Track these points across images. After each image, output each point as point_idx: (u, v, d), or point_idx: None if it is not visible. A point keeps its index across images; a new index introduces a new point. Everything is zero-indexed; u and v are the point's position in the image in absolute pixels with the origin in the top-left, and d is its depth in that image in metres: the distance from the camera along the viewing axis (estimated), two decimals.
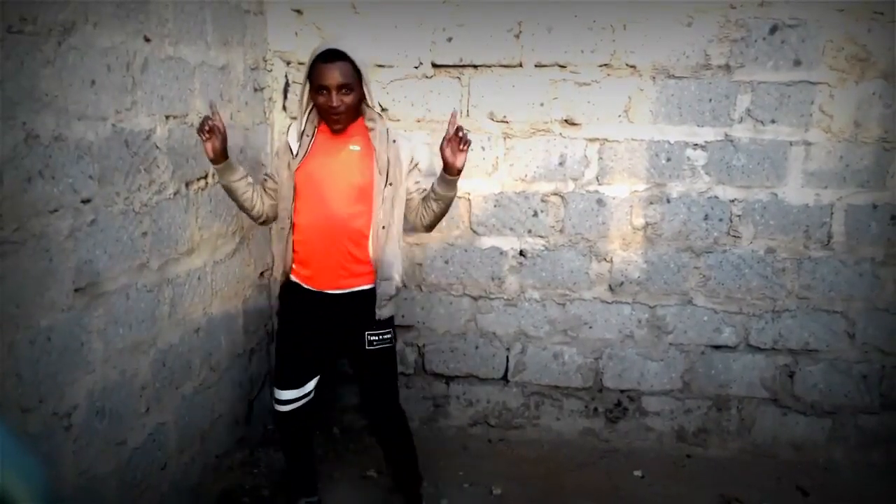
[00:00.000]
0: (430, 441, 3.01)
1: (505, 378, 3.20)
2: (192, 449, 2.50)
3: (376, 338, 2.26)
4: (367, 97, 2.17)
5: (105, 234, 1.91)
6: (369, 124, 2.20)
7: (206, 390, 2.59)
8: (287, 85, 3.09)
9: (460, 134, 2.07)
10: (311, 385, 2.37)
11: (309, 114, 2.21)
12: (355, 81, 2.10)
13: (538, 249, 3.07)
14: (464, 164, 2.10)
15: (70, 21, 1.71)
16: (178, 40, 2.26)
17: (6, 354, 1.56)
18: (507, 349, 3.17)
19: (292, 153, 2.21)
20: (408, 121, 3.02)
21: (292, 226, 2.23)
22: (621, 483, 2.87)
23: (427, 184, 2.28)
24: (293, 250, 2.26)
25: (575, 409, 3.19)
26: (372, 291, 2.23)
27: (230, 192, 2.25)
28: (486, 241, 3.09)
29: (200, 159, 2.45)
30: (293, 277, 2.30)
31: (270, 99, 3.08)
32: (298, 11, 3.01)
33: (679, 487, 2.84)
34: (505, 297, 3.13)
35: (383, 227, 2.18)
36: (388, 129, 2.20)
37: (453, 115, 2.09)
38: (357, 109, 2.17)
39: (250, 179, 2.27)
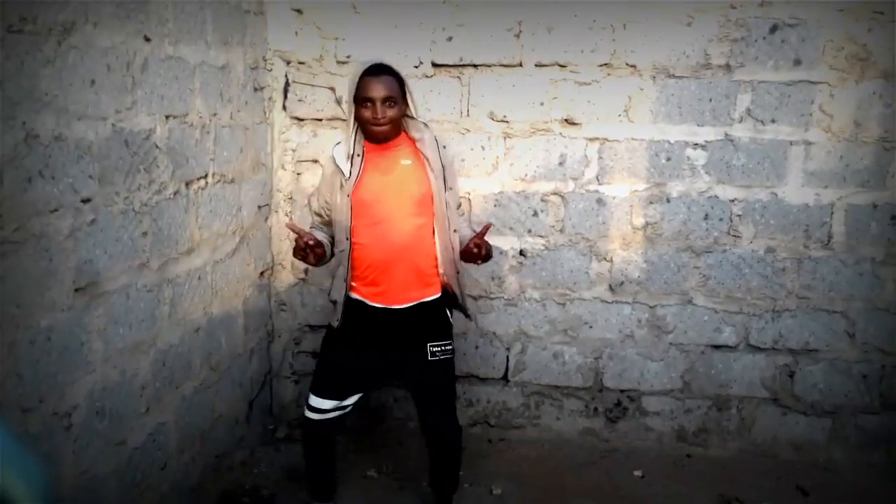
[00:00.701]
0: None
1: (505, 378, 3.20)
2: (192, 449, 2.49)
3: (439, 349, 2.26)
4: (412, 109, 2.21)
5: (105, 234, 1.91)
6: (415, 135, 2.22)
7: (206, 390, 2.59)
8: (287, 84, 3.09)
9: (481, 251, 2.17)
10: (352, 400, 2.35)
11: (356, 135, 2.21)
12: (399, 96, 2.15)
13: (538, 249, 3.07)
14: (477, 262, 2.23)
15: (70, 21, 1.71)
16: (178, 40, 2.26)
17: (6, 354, 1.56)
18: (507, 349, 3.17)
19: (344, 175, 2.20)
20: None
21: (352, 246, 2.22)
22: (621, 483, 2.87)
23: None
24: (353, 268, 2.24)
25: (575, 408, 3.19)
26: (436, 301, 2.26)
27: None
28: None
29: (200, 159, 2.45)
30: (354, 295, 2.28)
31: (270, 99, 3.08)
32: (298, 11, 3.01)
33: (679, 487, 2.84)
34: (505, 297, 3.13)
35: (454, 231, 2.23)
36: (436, 137, 2.24)
37: (485, 228, 2.22)
38: (399, 124, 2.20)
39: (323, 235, 2.32)
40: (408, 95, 2.18)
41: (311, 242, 2.12)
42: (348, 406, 2.36)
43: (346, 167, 2.19)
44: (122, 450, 2.04)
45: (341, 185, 2.20)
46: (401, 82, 2.16)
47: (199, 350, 2.52)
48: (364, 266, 2.22)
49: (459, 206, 2.36)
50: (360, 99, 2.12)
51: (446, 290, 2.29)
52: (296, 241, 2.13)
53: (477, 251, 2.16)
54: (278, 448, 3.08)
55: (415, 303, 2.24)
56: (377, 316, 2.24)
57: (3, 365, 1.55)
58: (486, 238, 2.20)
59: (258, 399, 3.11)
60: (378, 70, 2.13)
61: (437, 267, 2.25)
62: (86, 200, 1.82)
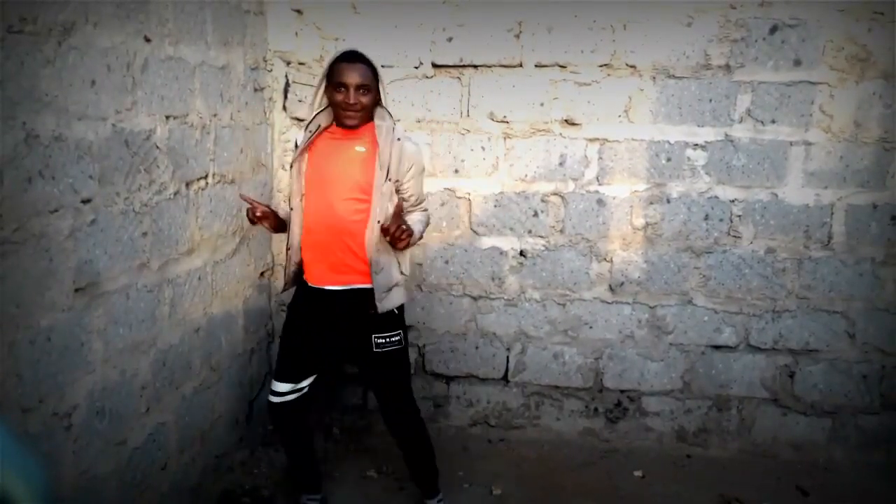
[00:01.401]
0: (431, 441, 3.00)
1: (505, 378, 3.20)
2: (192, 449, 2.50)
3: (383, 340, 2.26)
4: (382, 97, 2.22)
5: (105, 234, 1.91)
6: (377, 122, 2.22)
7: (206, 390, 2.59)
8: (287, 85, 3.09)
9: (395, 231, 2.09)
10: (306, 382, 2.39)
11: (318, 113, 2.25)
12: (373, 84, 2.17)
13: (538, 249, 3.07)
14: (405, 246, 2.16)
15: (70, 21, 1.71)
16: (179, 40, 2.26)
17: (6, 354, 1.56)
18: (508, 349, 3.17)
19: (296, 147, 2.27)
20: (408, 121, 3.02)
21: (302, 220, 2.27)
22: (621, 483, 2.87)
23: (423, 197, 2.36)
24: (299, 242, 2.29)
25: (575, 409, 3.19)
26: (370, 290, 2.23)
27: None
28: (487, 241, 3.09)
29: (200, 159, 2.45)
30: (302, 273, 2.33)
31: (270, 99, 3.08)
32: (298, 11, 3.01)
33: (679, 487, 2.84)
34: (505, 297, 3.13)
35: (378, 222, 2.17)
36: (394, 128, 2.22)
37: (399, 205, 2.18)
38: (370, 113, 2.21)
39: (286, 210, 2.36)
40: (380, 85, 2.21)
41: (258, 215, 2.24)
42: (304, 388, 2.39)
43: (300, 137, 2.28)
44: (122, 450, 2.04)
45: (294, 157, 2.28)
46: (374, 72, 2.18)
47: (199, 350, 2.52)
48: (304, 244, 2.27)
49: (420, 202, 2.33)
50: (335, 83, 2.15)
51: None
52: (247, 211, 2.25)
53: (385, 230, 2.11)
54: (278, 448, 3.07)
55: (347, 286, 2.23)
56: (314, 296, 2.27)
57: (3, 365, 1.55)
58: (403, 219, 2.15)
59: (258, 399, 3.11)
60: (353, 57, 2.16)
61: (366, 254, 2.22)
62: (86, 201, 1.82)
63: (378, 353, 2.27)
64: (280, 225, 2.31)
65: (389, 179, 2.19)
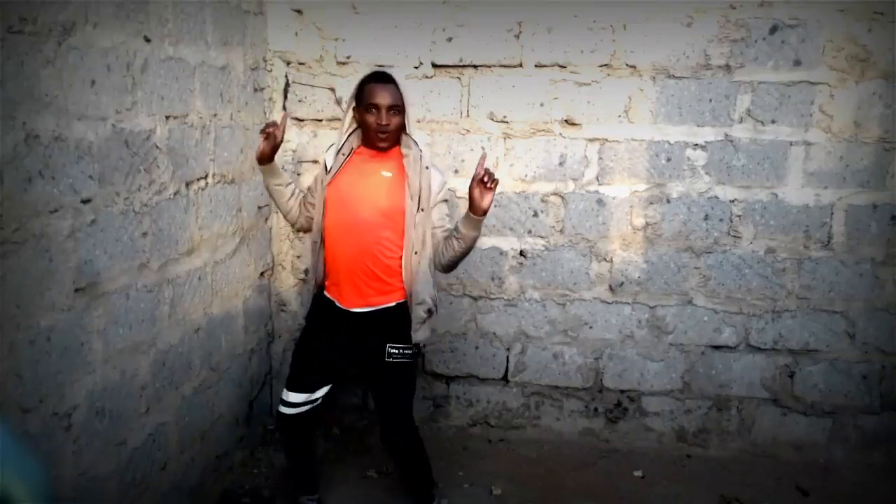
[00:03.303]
0: (430, 441, 2.99)
1: (505, 378, 3.20)
2: (192, 449, 2.49)
3: (397, 351, 2.28)
4: (407, 124, 2.23)
5: (105, 234, 1.91)
6: (404, 150, 2.25)
7: (206, 390, 2.59)
8: (287, 85, 3.09)
9: (490, 175, 2.06)
10: (321, 392, 2.40)
11: (349, 135, 2.28)
12: (402, 106, 2.19)
13: (538, 249, 3.07)
14: (490, 205, 2.09)
15: (70, 21, 1.71)
16: (178, 40, 2.26)
17: (6, 354, 1.56)
18: (507, 349, 3.17)
19: (326, 169, 2.28)
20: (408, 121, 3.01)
21: (323, 241, 2.27)
22: (621, 483, 2.87)
23: (450, 223, 2.29)
24: (325, 265, 2.30)
25: (575, 409, 3.19)
26: (399, 308, 2.27)
27: (271, 194, 2.38)
28: (486, 241, 3.09)
29: (200, 159, 2.45)
30: (326, 293, 2.33)
31: (270, 99, 3.08)
32: (298, 11, 3.01)
33: (679, 487, 2.84)
34: (505, 297, 3.13)
35: (416, 253, 2.21)
36: (421, 156, 2.23)
37: (483, 158, 2.10)
38: (400, 134, 2.23)
39: (294, 189, 2.38)
40: (406, 108, 2.21)
41: (279, 134, 2.20)
42: (318, 399, 2.40)
43: (330, 161, 2.28)
44: (122, 450, 2.04)
45: (322, 179, 2.28)
46: (402, 95, 2.19)
47: (199, 350, 2.52)
48: (329, 264, 2.28)
49: (444, 226, 2.27)
50: (366, 105, 2.17)
51: (406, 300, 2.28)
52: (271, 122, 2.22)
53: (481, 187, 2.06)
54: (278, 448, 3.07)
55: (374, 308, 2.26)
56: (340, 316, 2.29)
57: (3, 365, 1.55)
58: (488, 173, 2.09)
59: (258, 399, 3.11)
60: (385, 78, 2.18)
61: (402, 279, 2.26)
62: (86, 201, 1.82)
63: (389, 364, 2.28)
64: (269, 158, 2.25)
65: (422, 210, 2.20)
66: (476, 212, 2.09)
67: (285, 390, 2.40)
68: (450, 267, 2.30)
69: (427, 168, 2.22)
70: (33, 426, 1.66)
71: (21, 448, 0.88)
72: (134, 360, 2.09)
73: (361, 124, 2.23)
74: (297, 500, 2.58)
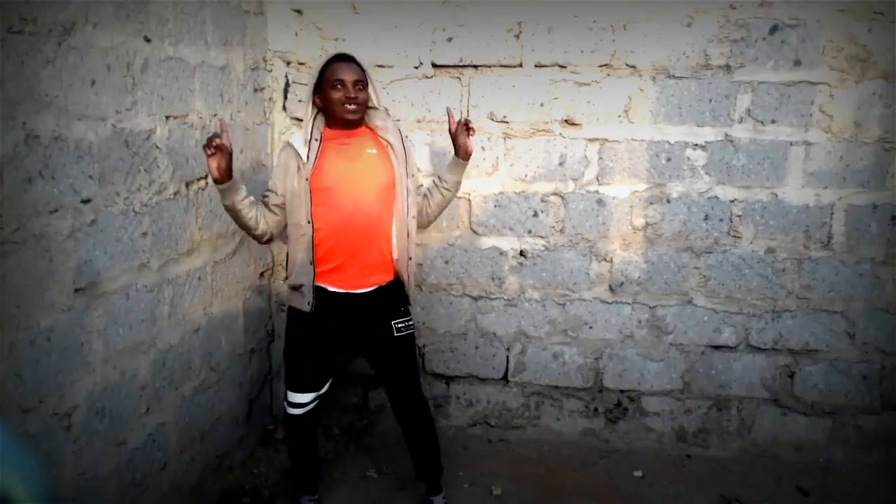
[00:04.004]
0: None
1: (505, 378, 3.20)
2: (192, 449, 2.50)
3: (403, 324, 2.35)
4: (375, 99, 2.29)
5: (105, 234, 1.91)
6: (378, 123, 2.30)
7: (206, 390, 2.59)
8: (287, 85, 3.09)
9: (467, 122, 2.31)
10: (326, 386, 2.44)
11: (314, 121, 2.26)
12: (366, 83, 2.24)
13: (538, 249, 3.07)
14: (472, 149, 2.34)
15: (70, 21, 1.71)
16: (178, 40, 2.26)
17: (6, 354, 1.56)
18: (507, 349, 3.17)
19: (301, 159, 2.22)
20: (408, 121, 3.02)
21: (314, 231, 2.23)
22: (621, 483, 2.87)
23: (426, 183, 2.45)
24: (316, 255, 2.25)
25: (575, 409, 3.19)
26: (394, 284, 2.32)
27: (234, 213, 2.16)
28: (486, 241, 3.09)
29: (200, 159, 2.45)
30: (317, 282, 2.28)
31: (270, 99, 3.08)
32: (298, 11, 3.01)
33: (679, 487, 2.84)
34: (505, 298, 3.13)
35: (413, 217, 2.30)
36: (399, 127, 2.34)
37: (450, 111, 2.37)
38: (365, 110, 2.27)
39: (252, 198, 2.21)
40: (370, 85, 2.26)
41: (226, 144, 2.00)
42: (324, 391, 2.44)
43: (303, 151, 2.23)
44: (122, 450, 2.04)
45: (298, 170, 2.22)
46: (365, 72, 2.25)
47: (199, 350, 2.52)
48: (327, 251, 2.25)
49: (420, 186, 2.44)
50: (331, 81, 2.19)
51: (397, 277, 2.34)
52: (212, 135, 2.02)
53: (459, 128, 2.31)
54: (278, 448, 3.08)
55: (377, 287, 2.30)
56: (340, 301, 2.28)
57: (3, 365, 1.55)
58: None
59: (258, 399, 3.11)
60: (346, 58, 2.24)
61: (392, 253, 2.30)
62: (86, 201, 1.82)
63: (398, 338, 2.33)
64: (227, 174, 2.05)
65: (411, 175, 2.30)
66: (463, 156, 2.34)
67: (290, 392, 2.39)
68: (433, 220, 2.47)
69: (406, 136, 2.35)
70: (33, 426, 1.66)
71: (21, 448, 0.88)
72: (134, 360, 2.09)
73: (326, 105, 2.22)
74: (297, 500, 2.58)
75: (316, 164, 2.21)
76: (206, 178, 2.50)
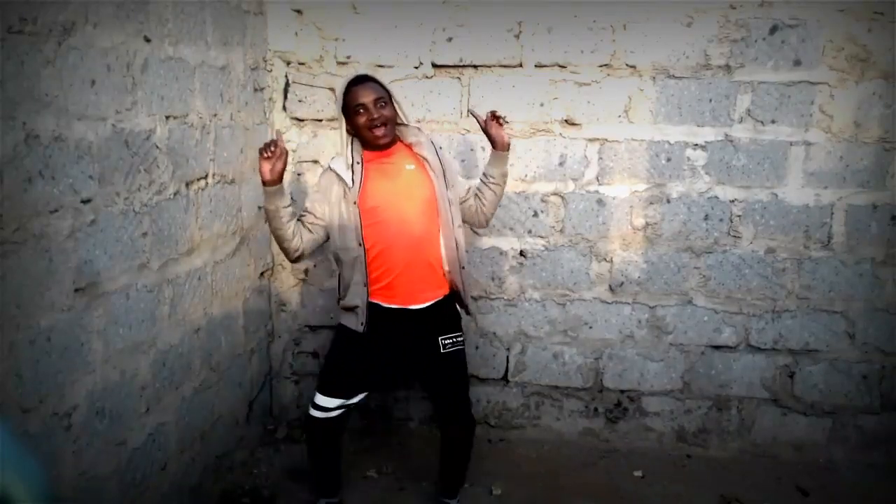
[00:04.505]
0: (431, 441, 3.00)
1: (505, 378, 3.20)
2: (192, 449, 2.50)
3: (450, 341, 2.32)
4: (401, 115, 2.28)
5: (105, 234, 1.91)
6: (412, 139, 2.30)
7: (206, 390, 2.59)
8: (287, 85, 3.09)
9: (495, 114, 2.32)
10: (357, 398, 2.40)
11: (351, 145, 2.27)
12: (388, 97, 2.23)
13: (538, 249, 3.07)
14: (509, 139, 2.36)
15: (70, 21, 1.71)
16: (178, 40, 2.26)
17: (6, 354, 1.56)
18: (507, 349, 3.17)
19: (347, 184, 2.22)
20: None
21: (365, 252, 2.22)
22: (621, 483, 2.87)
23: (467, 183, 2.47)
24: (368, 276, 2.25)
25: (575, 409, 3.19)
26: (447, 299, 2.32)
27: (275, 219, 2.18)
28: (486, 241, 3.09)
29: (200, 159, 2.45)
30: (371, 300, 2.28)
31: (270, 99, 3.08)
32: (298, 11, 3.01)
33: (679, 487, 2.84)
34: (505, 297, 3.13)
35: (459, 226, 2.30)
36: (432, 140, 2.33)
37: (473, 111, 2.41)
38: (394, 126, 2.26)
39: (294, 210, 2.25)
40: (394, 100, 2.24)
41: (284, 148, 2.11)
42: (352, 404, 2.40)
43: (347, 176, 2.22)
44: (122, 450, 2.04)
45: (344, 195, 2.23)
46: (387, 88, 2.24)
47: (199, 350, 2.52)
48: (380, 270, 2.25)
49: (468, 190, 2.45)
50: (353, 108, 2.20)
51: (452, 290, 2.35)
52: (271, 141, 2.10)
53: (489, 123, 2.33)
54: (278, 448, 3.08)
55: (431, 303, 2.29)
56: (393, 317, 2.27)
57: (3, 365, 1.55)
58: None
59: (258, 399, 3.11)
60: (362, 79, 2.23)
61: (443, 266, 2.29)
62: (86, 201, 1.82)
63: (445, 355, 2.31)
64: (279, 178, 2.14)
65: (452, 186, 2.30)
66: (501, 147, 2.34)
67: (318, 394, 2.37)
68: (490, 218, 2.48)
69: (441, 148, 2.34)
70: (33, 426, 1.66)
71: (21, 448, 0.88)
72: (134, 360, 2.09)
73: (357, 130, 2.23)
74: (315, 502, 2.57)
75: (362, 187, 2.22)
76: (206, 177, 2.50)
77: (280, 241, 2.25)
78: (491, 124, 2.32)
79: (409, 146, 2.30)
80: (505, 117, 2.34)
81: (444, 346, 2.31)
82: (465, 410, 2.43)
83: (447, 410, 2.42)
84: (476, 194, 2.42)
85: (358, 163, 2.24)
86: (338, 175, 2.23)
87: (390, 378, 2.48)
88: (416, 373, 2.42)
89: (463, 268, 2.33)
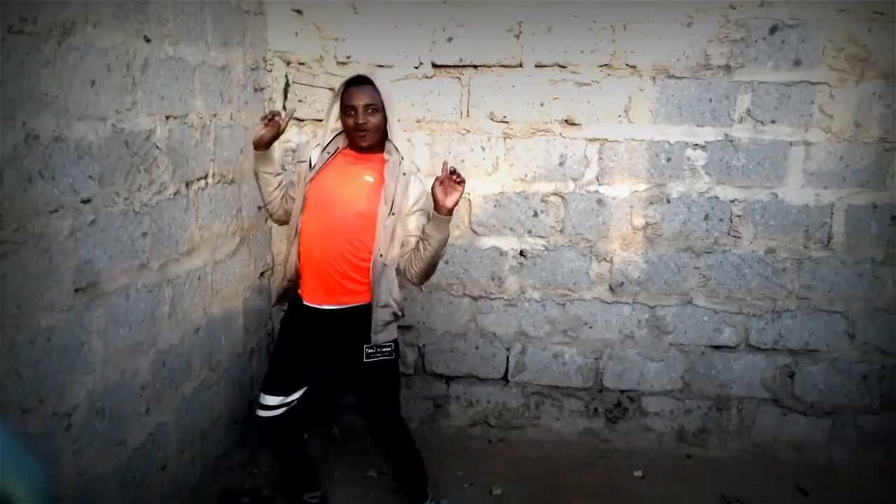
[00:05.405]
0: (430, 441, 3.00)
1: (505, 378, 3.20)
2: (192, 449, 2.49)
3: (374, 350, 2.26)
4: (389, 130, 2.25)
5: (105, 234, 1.91)
6: (386, 156, 2.27)
7: (206, 390, 2.59)
8: (287, 85, 3.09)
9: (455, 174, 2.08)
10: (296, 395, 2.38)
11: (336, 135, 2.30)
12: (380, 105, 2.21)
13: (538, 249, 3.07)
14: (455, 204, 2.09)
15: (70, 21, 1.71)
16: (178, 40, 2.26)
17: (6, 354, 1.56)
18: (507, 349, 3.17)
19: (310, 165, 2.29)
20: (408, 121, 3.02)
21: (297, 234, 2.28)
22: (621, 483, 2.87)
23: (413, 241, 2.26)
24: (297, 259, 2.30)
25: (575, 409, 3.19)
26: (367, 308, 2.24)
27: (258, 180, 2.37)
28: (486, 241, 3.09)
29: (200, 159, 2.45)
30: (298, 293, 2.33)
31: (270, 99, 3.08)
32: (298, 11, 3.01)
33: (679, 487, 2.84)
34: (505, 297, 3.13)
35: (381, 255, 2.20)
36: (401, 163, 2.23)
37: (445, 164, 2.12)
38: (382, 135, 2.26)
39: (282, 180, 2.39)
40: (389, 112, 2.23)
41: (281, 124, 2.25)
42: (293, 401, 2.38)
43: (315, 156, 2.30)
44: (122, 450, 2.04)
45: (308, 171, 2.29)
46: (381, 95, 2.21)
47: (199, 350, 2.52)
48: (302, 261, 2.28)
49: (410, 237, 2.24)
50: (345, 108, 2.21)
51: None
52: (276, 111, 2.26)
53: (445, 184, 2.09)
54: None
55: (342, 307, 2.25)
56: (310, 314, 2.28)
57: (3, 365, 1.55)
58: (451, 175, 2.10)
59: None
60: (360, 81, 2.22)
61: (367, 278, 2.23)
62: (86, 201, 1.82)
63: (368, 364, 2.26)
64: (265, 146, 2.28)
65: (393, 214, 2.19)
66: (440, 210, 2.09)
67: (261, 393, 2.38)
68: (421, 276, 2.25)
69: (405, 174, 2.21)
70: (33, 426, 1.66)
71: (21, 448, 0.88)
72: (134, 360, 2.09)
73: (344, 127, 2.27)
74: (300, 500, 2.58)
75: (318, 172, 2.26)
76: (206, 177, 2.50)
77: (265, 204, 2.43)
78: (437, 183, 2.09)
79: (385, 161, 2.26)
80: (460, 177, 2.08)
81: (368, 355, 2.25)
82: (389, 420, 2.40)
83: (371, 420, 2.43)
84: (415, 247, 2.22)
85: (329, 153, 2.28)
86: (310, 154, 2.33)
87: (321, 376, 2.43)
88: (343, 377, 2.41)
89: (381, 296, 2.21)
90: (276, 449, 2.48)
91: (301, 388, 2.39)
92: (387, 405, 2.39)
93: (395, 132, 2.26)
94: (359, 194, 2.23)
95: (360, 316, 2.25)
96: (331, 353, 2.32)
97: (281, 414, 2.37)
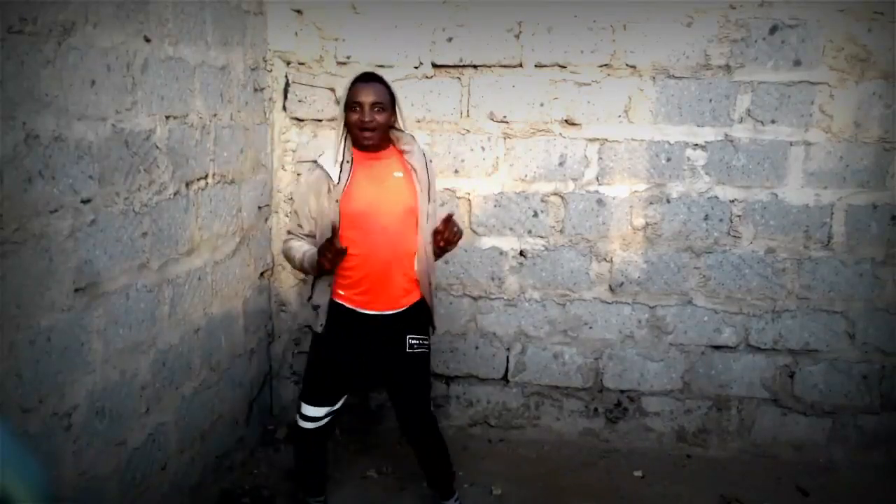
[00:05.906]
0: None
1: (505, 378, 3.20)
2: (192, 449, 2.49)
3: (416, 341, 2.32)
4: (400, 121, 2.26)
5: (105, 234, 1.91)
6: (405, 148, 2.28)
7: (206, 390, 2.59)
8: (287, 85, 3.09)
9: (454, 229, 2.19)
10: (341, 402, 2.40)
11: (345, 142, 2.25)
12: (388, 104, 2.20)
13: (538, 249, 3.07)
14: (449, 252, 2.29)
15: (70, 21, 1.71)
16: (178, 40, 2.26)
17: (6, 354, 1.56)
18: (507, 349, 3.17)
19: (332, 180, 2.21)
20: (408, 121, 2.99)
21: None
22: (621, 483, 2.87)
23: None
24: (340, 275, 2.25)
25: (575, 409, 3.19)
26: (418, 305, 2.31)
27: (310, 274, 2.32)
28: (486, 241, 3.09)
29: (200, 159, 2.45)
30: (341, 302, 2.28)
31: (270, 99, 3.08)
32: (298, 11, 3.01)
33: (679, 487, 2.84)
34: (505, 298, 3.13)
35: (429, 242, 2.25)
36: (424, 151, 2.31)
37: (450, 216, 2.20)
38: (387, 132, 2.25)
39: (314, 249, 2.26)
40: (397, 106, 2.23)
41: (340, 250, 2.10)
42: (339, 407, 2.41)
43: (334, 172, 2.21)
44: (122, 450, 2.04)
45: (329, 191, 2.21)
46: (391, 93, 2.22)
47: (199, 350, 2.52)
48: (357, 275, 2.24)
49: (443, 204, 2.42)
50: (350, 104, 2.19)
51: (423, 297, 2.34)
52: (332, 243, 2.09)
53: (439, 237, 2.19)
54: (278, 448, 3.08)
55: (404, 309, 2.30)
56: (367, 321, 2.28)
57: (3, 365, 1.55)
58: (453, 228, 2.19)
59: (258, 399, 3.11)
60: (369, 77, 2.22)
61: (416, 274, 2.30)
62: (86, 201, 1.82)
63: (410, 354, 2.31)
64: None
65: (433, 201, 2.29)
66: (436, 252, 2.27)
67: (304, 405, 2.37)
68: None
69: (430, 161, 2.32)
70: (33, 426, 1.66)
71: (21, 448, 0.88)
72: (134, 360, 2.09)
73: (348, 127, 2.22)
74: (303, 502, 2.58)
75: (346, 187, 2.21)
76: (206, 177, 2.50)
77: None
78: (435, 233, 2.20)
79: (400, 152, 2.29)
80: (458, 230, 2.19)
81: (411, 345, 2.31)
82: (425, 410, 2.43)
83: (407, 411, 2.41)
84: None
85: (347, 161, 2.23)
86: (325, 171, 2.23)
87: (365, 378, 2.49)
88: (381, 372, 2.42)
89: (430, 283, 2.33)
90: (306, 455, 2.47)
91: (346, 394, 2.40)
92: (422, 397, 2.41)
93: (407, 124, 2.31)
94: (400, 193, 2.24)
95: (412, 314, 2.31)
96: (373, 352, 2.33)
97: (326, 424, 2.38)
